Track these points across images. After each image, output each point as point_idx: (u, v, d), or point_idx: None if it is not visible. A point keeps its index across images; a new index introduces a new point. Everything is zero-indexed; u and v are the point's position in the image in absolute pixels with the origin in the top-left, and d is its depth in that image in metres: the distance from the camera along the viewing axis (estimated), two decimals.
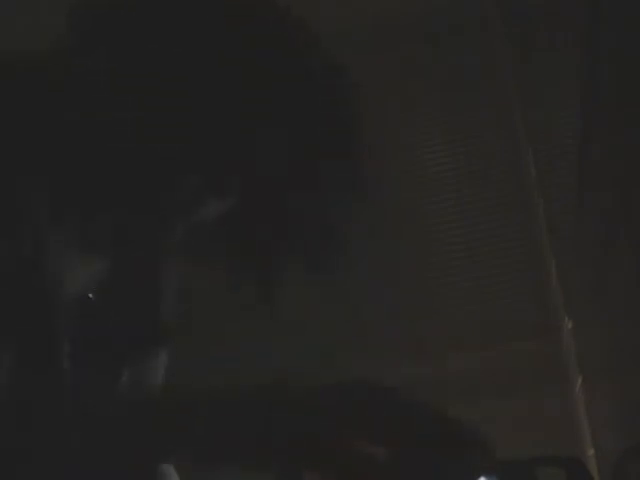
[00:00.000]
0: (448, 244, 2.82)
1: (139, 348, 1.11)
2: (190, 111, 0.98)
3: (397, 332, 2.75)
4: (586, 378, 2.54)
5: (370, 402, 0.84)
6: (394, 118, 2.87)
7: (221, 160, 1.01)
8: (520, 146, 2.82)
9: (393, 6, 2.81)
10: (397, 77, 2.89)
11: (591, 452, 2.49)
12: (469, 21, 2.88)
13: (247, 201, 1.06)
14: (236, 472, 0.85)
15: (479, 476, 0.85)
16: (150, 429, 0.87)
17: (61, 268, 1.00)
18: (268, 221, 1.09)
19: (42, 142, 0.98)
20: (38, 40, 1.03)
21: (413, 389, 0.93)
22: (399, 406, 0.85)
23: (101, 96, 0.97)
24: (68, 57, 1.00)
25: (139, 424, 0.87)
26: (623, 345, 1.95)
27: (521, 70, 2.83)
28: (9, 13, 2.47)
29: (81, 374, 1.01)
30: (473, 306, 2.76)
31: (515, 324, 2.70)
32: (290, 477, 0.83)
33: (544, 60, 2.76)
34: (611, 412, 2.15)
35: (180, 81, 0.98)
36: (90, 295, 1.05)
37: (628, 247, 1.79)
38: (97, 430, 0.88)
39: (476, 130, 2.87)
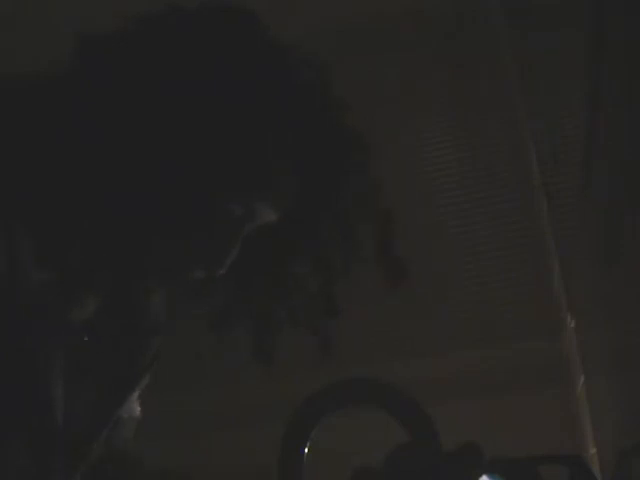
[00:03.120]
0: (449, 243, 2.82)
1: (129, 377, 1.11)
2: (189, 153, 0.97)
3: (397, 332, 2.75)
4: (588, 377, 2.54)
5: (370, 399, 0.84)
6: (395, 118, 2.87)
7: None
8: (523, 145, 2.82)
9: (393, 6, 2.81)
10: (397, 77, 2.89)
11: (593, 451, 2.49)
12: (470, 19, 2.88)
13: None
14: None
15: (481, 475, 0.85)
16: None
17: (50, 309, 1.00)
18: (268, 287, 1.09)
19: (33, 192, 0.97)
20: (42, 63, 1.03)
21: (413, 389, 0.93)
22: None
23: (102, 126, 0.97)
24: (73, 82, 1.00)
25: None
26: (625, 344, 1.95)
27: (524, 68, 2.83)
28: (16, 34, 2.48)
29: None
30: (473, 306, 2.75)
31: (515, 324, 2.69)
32: None
33: (547, 57, 2.76)
34: (613, 411, 2.15)
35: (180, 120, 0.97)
36: (85, 338, 1.05)
37: (631, 245, 1.78)
38: None
39: (479, 130, 2.87)
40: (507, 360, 2.64)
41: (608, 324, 2.10)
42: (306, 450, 0.94)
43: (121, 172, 0.96)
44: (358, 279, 1.15)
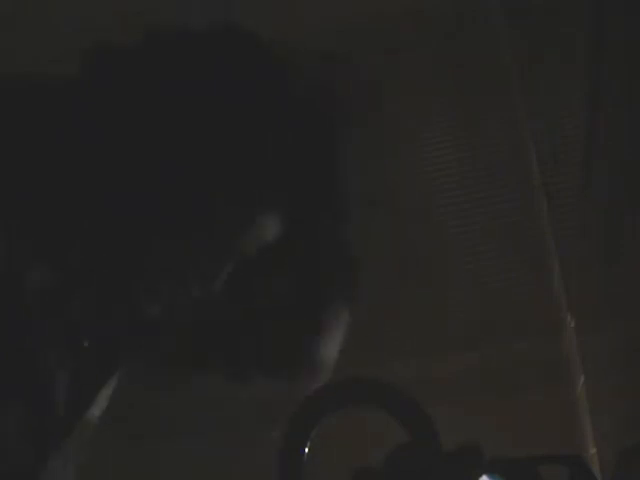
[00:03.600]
0: (449, 243, 2.81)
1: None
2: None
3: (397, 332, 2.74)
4: (588, 377, 2.54)
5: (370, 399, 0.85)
6: (395, 118, 2.87)
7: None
8: (523, 145, 2.82)
9: (393, 6, 2.81)
10: (397, 77, 2.89)
11: (593, 451, 2.49)
12: (470, 19, 2.87)
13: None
14: None
15: (481, 475, 0.85)
16: None
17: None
18: (268, 288, 1.09)
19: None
20: (42, 63, 1.03)
21: (412, 389, 0.92)
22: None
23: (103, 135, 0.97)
24: (73, 82, 1.00)
25: None
26: (625, 344, 1.95)
27: (524, 67, 2.82)
28: (16, 34, 2.48)
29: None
30: (473, 306, 2.75)
31: (515, 324, 2.69)
32: None
33: (547, 57, 2.76)
34: (613, 411, 2.15)
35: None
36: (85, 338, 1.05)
37: (631, 245, 1.79)
38: None
39: (479, 130, 2.87)
40: (507, 360, 2.64)
41: (608, 324, 2.10)
42: (306, 450, 0.94)
43: (121, 172, 0.96)
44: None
